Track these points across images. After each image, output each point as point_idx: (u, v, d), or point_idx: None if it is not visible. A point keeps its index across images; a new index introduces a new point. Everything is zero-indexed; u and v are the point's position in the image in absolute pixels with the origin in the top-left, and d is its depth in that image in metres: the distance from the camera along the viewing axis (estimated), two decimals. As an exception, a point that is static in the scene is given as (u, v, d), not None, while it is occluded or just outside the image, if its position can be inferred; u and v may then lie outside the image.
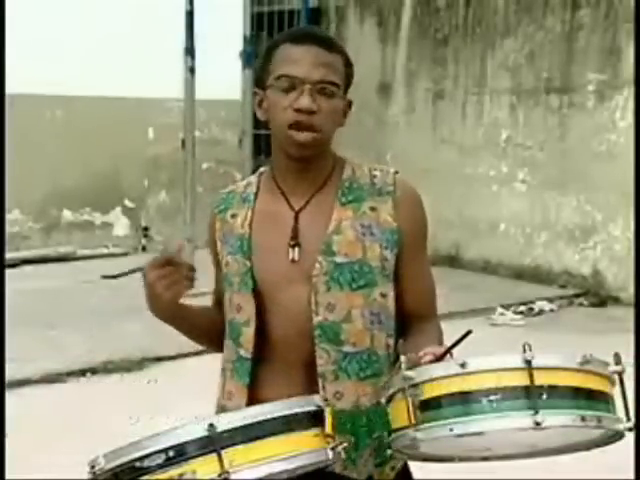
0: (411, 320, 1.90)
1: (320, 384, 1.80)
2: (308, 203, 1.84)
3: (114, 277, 1.82)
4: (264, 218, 1.87)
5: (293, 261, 1.82)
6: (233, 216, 1.90)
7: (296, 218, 1.84)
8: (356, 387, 1.82)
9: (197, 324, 1.98)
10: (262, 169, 1.97)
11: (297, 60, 1.76)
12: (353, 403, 1.81)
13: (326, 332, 1.80)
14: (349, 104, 1.85)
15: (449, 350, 1.62)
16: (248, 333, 1.84)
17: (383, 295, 1.83)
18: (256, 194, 1.90)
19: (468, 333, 1.59)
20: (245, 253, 1.85)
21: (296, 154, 1.80)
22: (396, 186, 1.86)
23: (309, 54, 1.76)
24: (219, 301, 1.98)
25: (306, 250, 1.82)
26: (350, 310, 1.80)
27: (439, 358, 1.60)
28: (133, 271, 1.78)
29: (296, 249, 1.82)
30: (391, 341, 1.85)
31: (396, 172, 1.89)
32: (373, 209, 1.84)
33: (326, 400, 1.59)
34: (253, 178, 1.95)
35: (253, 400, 1.83)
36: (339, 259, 1.80)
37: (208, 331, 1.99)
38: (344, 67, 1.82)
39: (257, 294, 1.84)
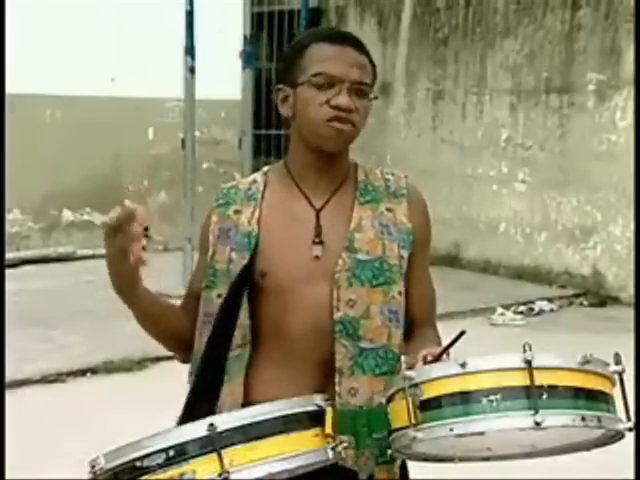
0: (414, 324, 1.91)
1: (337, 379, 1.81)
2: (328, 202, 1.86)
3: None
4: (278, 215, 1.87)
5: (316, 258, 1.83)
6: (237, 212, 1.89)
7: (317, 216, 1.85)
8: (371, 383, 1.82)
9: (162, 316, 1.89)
10: (266, 168, 1.97)
11: (335, 59, 1.79)
12: (367, 400, 1.81)
13: (346, 327, 1.81)
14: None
15: (445, 350, 1.62)
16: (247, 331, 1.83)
17: (401, 293, 1.86)
18: (263, 192, 1.90)
19: (462, 333, 1.59)
20: (252, 250, 1.84)
21: (331, 148, 1.82)
22: (409, 190, 1.92)
23: (346, 54, 1.80)
24: (194, 294, 1.92)
25: (329, 247, 1.83)
26: (369, 306, 1.82)
27: (436, 358, 1.61)
28: None
29: (319, 246, 1.83)
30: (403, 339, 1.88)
31: (405, 176, 1.94)
32: (390, 210, 1.88)
33: (327, 400, 1.59)
34: (258, 176, 1.95)
35: (267, 399, 1.81)
36: (361, 256, 1.82)
37: (174, 329, 1.91)
38: (371, 68, 1.85)
39: (270, 292, 1.83)
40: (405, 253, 1.86)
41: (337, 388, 1.80)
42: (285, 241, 1.85)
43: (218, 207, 1.92)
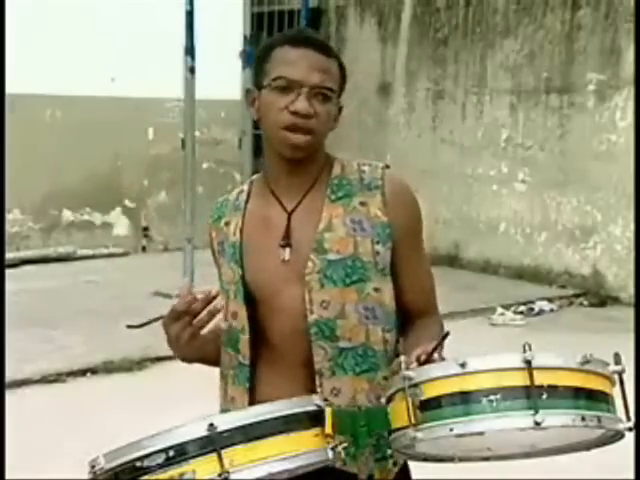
0: (411, 316, 1.91)
1: (317, 381, 1.81)
2: (300, 203, 1.86)
3: (139, 326, 1.85)
4: (256, 222, 1.88)
5: (284, 261, 1.83)
6: (227, 224, 1.92)
7: (289, 219, 1.85)
8: (353, 382, 1.82)
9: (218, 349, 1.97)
10: (254, 176, 1.99)
11: (295, 63, 1.77)
12: (350, 399, 1.82)
13: (322, 329, 1.81)
14: (340, 109, 1.87)
15: (434, 351, 1.61)
16: (244, 340, 1.87)
17: (377, 290, 1.83)
18: (247, 200, 1.92)
19: (446, 335, 1.61)
20: (237, 261, 1.87)
21: (289, 155, 1.81)
22: (384, 181, 1.86)
23: (307, 58, 1.78)
24: None
25: (298, 250, 1.83)
26: (344, 306, 1.81)
27: (428, 358, 1.60)
28: (156, 319, 1.82)
29: (287, 249, 1.83)
30: (389, 336, 1.86)
31: (386, 166, 1.90)
32: (363, 204, 1.84)
33: (325, 400, 1.59)
34: (245, 185, 1.97)
35: (255, 403, 1.83)
36: (331, 256, 1.81)
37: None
38: (339, 72, 1.83)
39: (252, 299, 1.86)
40: (381, 248, 1.83)
41: (319, 390, 1.80)
42: (261, 247, 1.86)
43: (213, 222, 1.96)
